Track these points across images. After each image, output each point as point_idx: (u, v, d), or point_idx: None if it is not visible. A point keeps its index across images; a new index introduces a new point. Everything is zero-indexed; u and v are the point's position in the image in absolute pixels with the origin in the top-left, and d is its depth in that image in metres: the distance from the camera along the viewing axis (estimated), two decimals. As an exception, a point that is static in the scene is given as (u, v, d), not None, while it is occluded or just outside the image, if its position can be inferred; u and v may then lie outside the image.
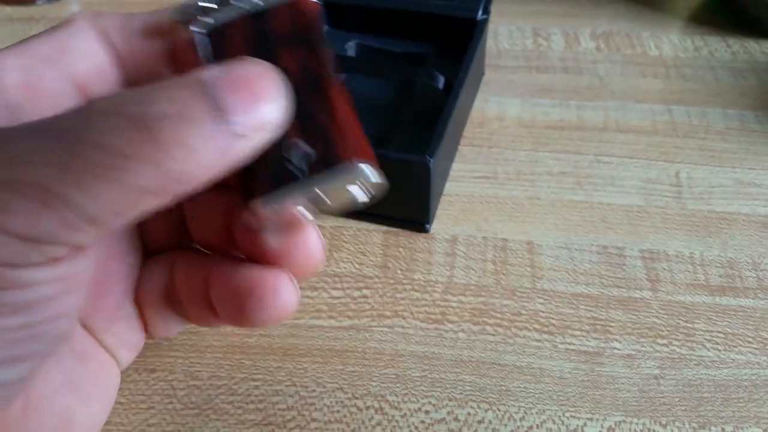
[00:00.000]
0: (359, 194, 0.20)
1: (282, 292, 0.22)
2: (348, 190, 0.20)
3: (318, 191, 0.19)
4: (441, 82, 0.44)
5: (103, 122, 0.16)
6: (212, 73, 0.17)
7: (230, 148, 0.17)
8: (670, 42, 0.55)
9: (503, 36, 0.56)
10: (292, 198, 0.19)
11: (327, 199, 0.20)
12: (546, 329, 0.35)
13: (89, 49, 0.22)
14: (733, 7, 0.56)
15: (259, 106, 0.18)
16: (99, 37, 0.22)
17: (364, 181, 0.19)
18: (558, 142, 0.46)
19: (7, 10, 0.62)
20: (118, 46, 0.22)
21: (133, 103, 0.16)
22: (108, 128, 0.16)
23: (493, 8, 0.57)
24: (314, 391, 0.33)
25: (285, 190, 0.19)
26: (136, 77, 0.22)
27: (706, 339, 0.35)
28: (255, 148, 0.18)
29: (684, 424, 0.31)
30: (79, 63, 0.21)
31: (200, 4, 0.21)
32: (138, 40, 0.22)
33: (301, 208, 0.20)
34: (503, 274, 0.38)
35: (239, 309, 0.22)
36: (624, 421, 0.31)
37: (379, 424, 0.32)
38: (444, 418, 0.32)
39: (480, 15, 0.48)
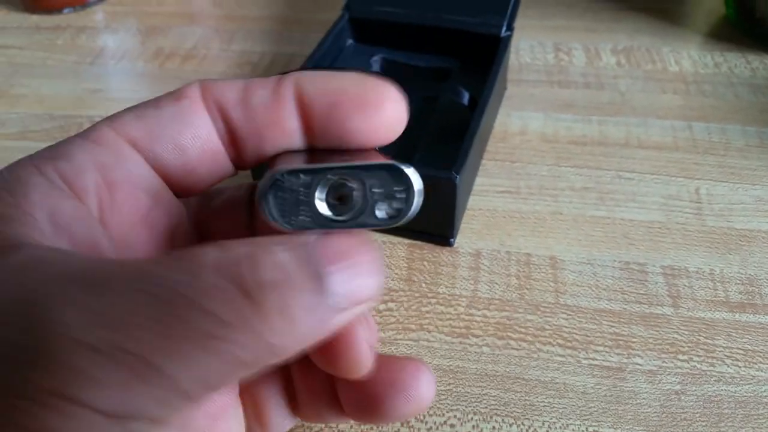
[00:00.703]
0: (384, 202, 0.18)
1: (423, 382, 0.21)
2: (374, 192, 0.18)
3: (340, 179, 0.18)
4: (466, 97, 0.44)
5: (209, 283, 0.15)
6: (314, 239, 0.17)
7: (327, 321, 0.17)
8: (690, 58, 0.56)
9: (525, 51, 0.57)
10: (311, 178, 0.18)
11: (351, 188, 0.18)
12: (569, 344, 0.36)
13: (200, 131, 0.20)
14: (752, 22, 0.56)
15: (358, 281, 0.17)
16: (211, 114, 0.20)
17: (396, 184, 0.18)
18: (580, 158, 0.46)
19: (34, 18, 0.64)
20: (235, 122, 0.20)
21: (241, 265, 0.16)
22: (214, 292, 0.15)
23: (515, 23, 0.58)
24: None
25: (307, 167, 0.18)
26: (251, 155, 0.21)
27: (726, 355, 0.35)
28: (349, 321, 0.17)
29: (705, 440, 0.32)
30: (189, 146, 0.20)
31: None
32: (259, 112, 0.20)
33: (321, 205, 0.18)
34: (527, 288, 0.38)
35: (375, 403, 0.21)
36: (646, 436, 0.32)
37: (405, 435, 0.32)
38: None
39: (504, 31, 0.49)
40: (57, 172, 0.18)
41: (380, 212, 0.18)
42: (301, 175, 0.18)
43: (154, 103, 0.20)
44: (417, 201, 0.18)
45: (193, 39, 0.60)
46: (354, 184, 0.18)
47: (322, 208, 0.18)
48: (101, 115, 0.50)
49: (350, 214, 0.18)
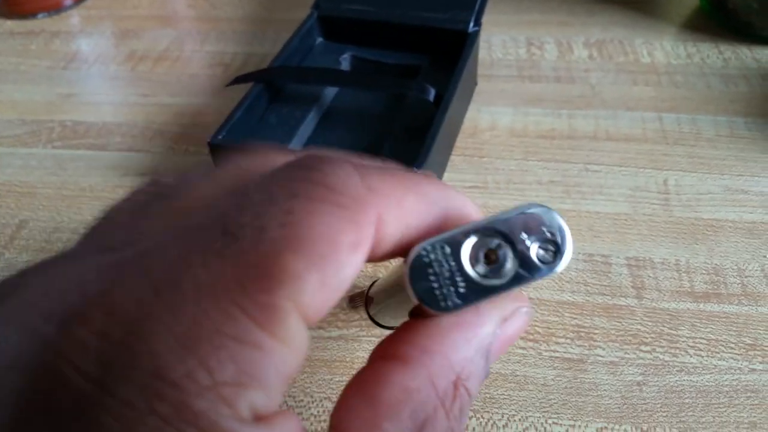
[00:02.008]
0: (539, 253, 0.17)
1: None
2: (523, 240, 0.17)
3: (484, 238, 0.17)
4: (432, 94, 0.44)
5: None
6: (492, 341, 0.18)
7: None
8: (663, 49, 0.56)
9: (497, 46, 0.57)
10: (458, 240, 0.17)
11: (499, 245, 0.17)
12: (531, 337, 0.36)
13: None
14: (725, 12, 0.56)
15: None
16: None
17: (550, 229, 0.17)
18: (548, 151, 0.46)
19: (8, 24, 0.64)
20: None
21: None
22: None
23: (488, 18, 0.58)
24: (302, 401, 0.33)
25: (447, 236, 0.17)
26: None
27: (689, 345, 0.35)
28: None
29: (665, 430, 0.32)
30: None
31: None
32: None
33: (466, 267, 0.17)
34: (491, 283, 0.38)
35: None
36: (606, 428, 0.32)
37: None
38: (429, 426, 0.32)
39: (471, 27, 0.49)
40: (250, 407, 0.13)
41: (536, 259, 0.17)
42: (445, 246, 0.17)
43: (335, 251, 0.15)
44: (569, 235, 0.17)
45: (167, 41, 0.60)
46: (501, 240, 0.17)
47: (475, 275, 0.17)
48: (73, 119, 0.51)
49: (506, 274, 0.17)
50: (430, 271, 0.17)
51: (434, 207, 0.18)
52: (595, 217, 0.41)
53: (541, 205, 0.17)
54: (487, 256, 0.17)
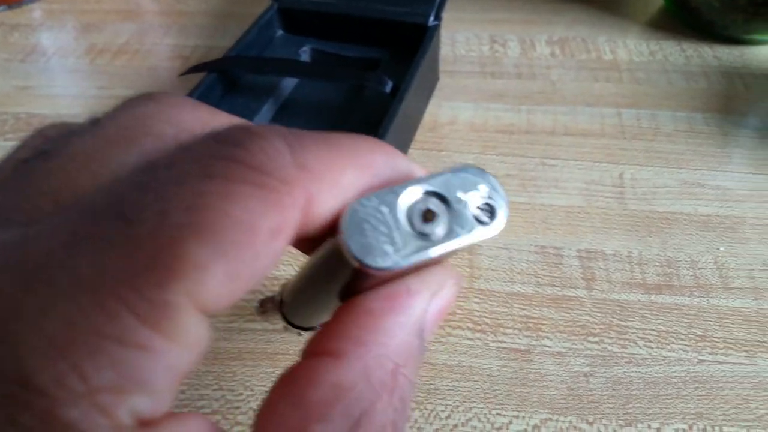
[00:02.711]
0: (478, 213, 0.17)
1: None
2: (459, 199, 0.17)
3: (423, 194, 0.16)
4: (389, 86, 0.44)
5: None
6: (424, 317, 0.17)
7: None
8: (626, 47, 0.56)
9: (460, 43, 0.57)
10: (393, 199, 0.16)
11: (437, 201, 0.17)
12: (479, 328, 0.35)
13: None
14: (688, 11, 0.56)
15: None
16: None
17: (489, 192, 0.17)
18: (506, 146, 0.46)
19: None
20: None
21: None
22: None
23: (452, 15, 0.58)
24: (241, 394, 0.33)
25: (384, 191, 0.16)
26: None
27: (638, 337, 0.35)
28: None
29: (611, 422, 0.31)
30: None
31: None
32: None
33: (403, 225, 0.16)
34: (441, 274, 0.38)
35: None
36: (550, 419, 0.31)
37: (306, 422, 0.32)
38: (370, 417, 0.32)
39: (431, 21, 0.49)
40: (132, 414, 0.12)
41: (472, 218, 0.17)
42: (380, 201, 0.16)
43: (251, 238, 0.13)
44: (504, 196, 0.17)
45: (128, 34, 0.59)
46: (437, 199, 0.16)
47: (412, 230, 0.16)
48: (28, 111, 0.50)
49: (442, 230, 0.16)
50: (367, 226, 0.16)
51: (376, 179, 0.17)
52: (549, 210, 0.41)
53: (477, 167, 0.17)
54: (423, 214, 0.16)
